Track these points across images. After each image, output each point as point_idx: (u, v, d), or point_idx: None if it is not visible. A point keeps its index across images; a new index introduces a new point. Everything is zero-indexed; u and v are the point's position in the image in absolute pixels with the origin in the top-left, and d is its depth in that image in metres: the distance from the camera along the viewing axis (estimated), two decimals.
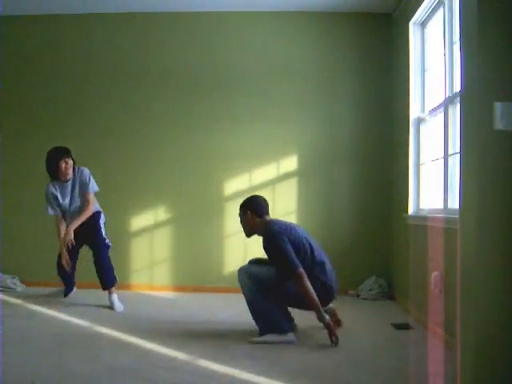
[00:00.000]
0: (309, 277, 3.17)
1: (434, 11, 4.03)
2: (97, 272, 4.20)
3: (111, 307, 4.15)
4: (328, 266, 3.32)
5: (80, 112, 5.20)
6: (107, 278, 4.21)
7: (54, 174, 4.14)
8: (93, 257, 4.21)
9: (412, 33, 4.39)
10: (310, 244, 3.31)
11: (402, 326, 3.62)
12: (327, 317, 3.13)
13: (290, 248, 3.19)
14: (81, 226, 4.17)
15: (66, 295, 4.43)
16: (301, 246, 3.25)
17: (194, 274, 5.08)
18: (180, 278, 5.10)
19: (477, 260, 2.06)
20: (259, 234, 3.41)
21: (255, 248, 5.00)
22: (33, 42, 5.27)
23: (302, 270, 3.14)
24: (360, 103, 5.06)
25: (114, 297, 4.21)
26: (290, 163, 5.05)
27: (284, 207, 5.01)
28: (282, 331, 3.18)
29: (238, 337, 3.32)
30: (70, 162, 4.15)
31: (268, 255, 3.30)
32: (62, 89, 5.22)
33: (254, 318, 3.28)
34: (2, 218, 4.69)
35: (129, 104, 5.18)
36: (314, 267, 3.25)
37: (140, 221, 5.14)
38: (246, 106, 5.09)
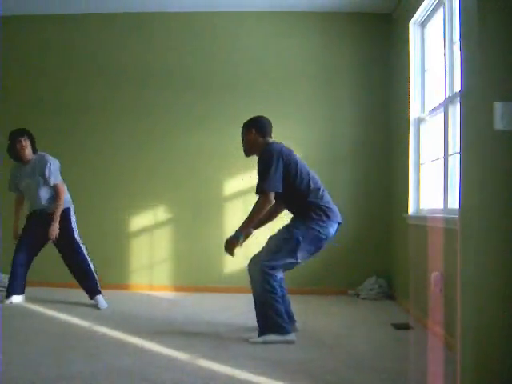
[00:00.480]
0: (305, 202, 3.22)
1: (434, 11, 4.03)
2: (78, 280, 4.25)
3: (96, 306, 4.17)
4: (323, 193, 3.31)
5: (79, 111, 5.20)
6: (91, 288, 4.23)
7: (12, 154, 4.19)
8: (63, 259, 4.24)
9: (412, 33, 4.39)
10: (308, 173, 3.30)
11: (402, 326, 3.62)
12: (241, 241, 3.25)
13: (278, 170, 3.17)
14: (51, 220, 4.13)
15: (7, 296, 4.20)
16: (297, 171, 3.24)
17: (194, 274, 5.08)
18: (180, 278, 5.10)
19: (477, 260, 2.06)
20: (258, 155, 3.37)
21: (255, 248, 5.01)
22: (33, 42, 5.27)
23: (272, 195, 3.16)
24: (360, 103, 5.06)
25: (99, 297, 4.22)
26: None
27: None
28: (282, 332, 3.17)
29: (238, 337, 3.32)
30: (26, 142, 4.16)
31: (257, 167, 3.27)
32: (62, 89, 5.23)
33: (256, 316, 3.27)
34: (1, 218, 4.69)
35: (130, 104, 5.18)
36: (309, 194, 3.25)
37: (140, 221, 5.14)
38: (246, 105, 5.07)
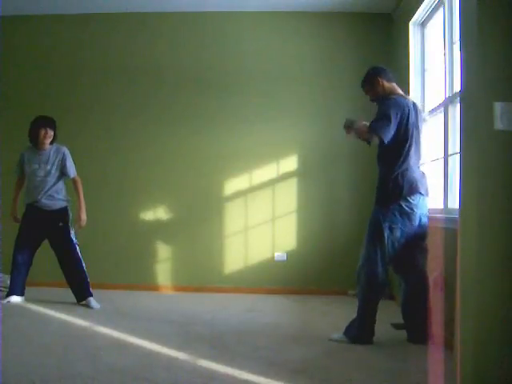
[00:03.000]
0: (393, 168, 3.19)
1: (434, 11, 4.03)
2: (69, 281, 4.24)
3: (88, 306, 4.16)
4: (413, 169, 3.18)
5: (78, 110, 5.20)
6: (83, 289, 4.22)
7: (33, 138, 4.19)
8: (58, 258, 4.23)
9: (412, 33, 4.39)
10: (416, 147, 3.18)
11: (402, 326, 3.61)
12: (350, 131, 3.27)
13: (394, 119, 3.07)
14: (49, 218, 4.17)
15: (7, 295, 4.21)
16: (407, 135, 3.12)
17: (195, 274, 5.08)
18: (180, 278, 5.10)
19: (477, 260, 2.06)
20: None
21: (256, 248, 5.01)
22: (33, 42, 5.27)
23: (375, 138, 3.15)
24: (360, 103, 5.04)
25: (90, 299, 4.21)
26: (290, 163, 5.05)
27: (284, 207, 5.01)
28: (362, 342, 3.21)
29: (238, 337, 3.32)
30: (51, 132, 4.17)
31: (378, 109, 3.18)
32: (63, 88, 5.23)
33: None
34: (1, 218, 4.69)
35: (129, 103, 5.18)
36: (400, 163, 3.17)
37: (140, 221, 5.14)
38: (246, 106, 5.09)
